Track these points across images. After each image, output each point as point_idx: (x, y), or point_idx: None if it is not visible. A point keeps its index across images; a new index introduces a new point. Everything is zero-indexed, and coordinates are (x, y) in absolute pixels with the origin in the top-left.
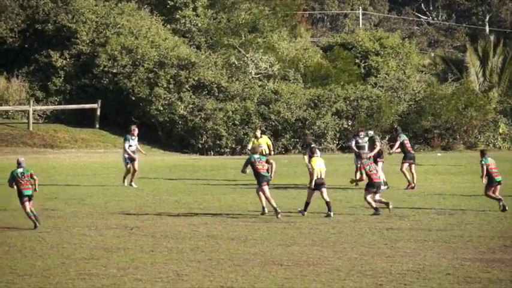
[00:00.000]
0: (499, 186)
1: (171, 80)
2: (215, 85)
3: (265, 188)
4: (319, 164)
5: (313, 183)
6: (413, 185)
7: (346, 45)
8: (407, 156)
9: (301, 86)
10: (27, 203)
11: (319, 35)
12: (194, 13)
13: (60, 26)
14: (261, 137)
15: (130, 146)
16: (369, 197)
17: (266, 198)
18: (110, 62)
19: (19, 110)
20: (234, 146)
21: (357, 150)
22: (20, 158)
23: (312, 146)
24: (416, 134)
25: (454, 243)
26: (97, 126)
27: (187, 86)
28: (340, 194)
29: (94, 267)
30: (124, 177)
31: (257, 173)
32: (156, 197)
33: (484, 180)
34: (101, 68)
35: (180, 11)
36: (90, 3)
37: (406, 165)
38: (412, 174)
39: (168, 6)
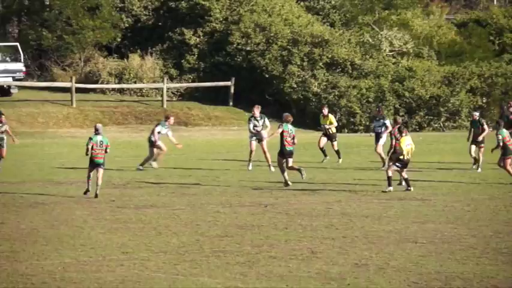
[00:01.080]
0: None
1: (305, 57)
2: (349, 62)
3: (290, 160)
4: (408, 143)
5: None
6: None
7: (481, 22)
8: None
9: (435, 63)
10: (96, 170)
11: (454, 12)
12: None
13: (193, 4)
14: (327, 115)
15: (255, 126)
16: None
17: (287, 167)
18: (243, 39)
19: (153, 88)
20: (368, 123)
21: None
22: (97, 125)
23: (400, 125)
24: None
25: None
26: (231, 103)
27: (320, 64)
28: (475, 172)
29: (228, 245)
30: (249, 160)
31: (282, 144)
32: (290, 174)
33: (494, 151)
34: (234, 45)
35: None
36: None
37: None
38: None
39: None
